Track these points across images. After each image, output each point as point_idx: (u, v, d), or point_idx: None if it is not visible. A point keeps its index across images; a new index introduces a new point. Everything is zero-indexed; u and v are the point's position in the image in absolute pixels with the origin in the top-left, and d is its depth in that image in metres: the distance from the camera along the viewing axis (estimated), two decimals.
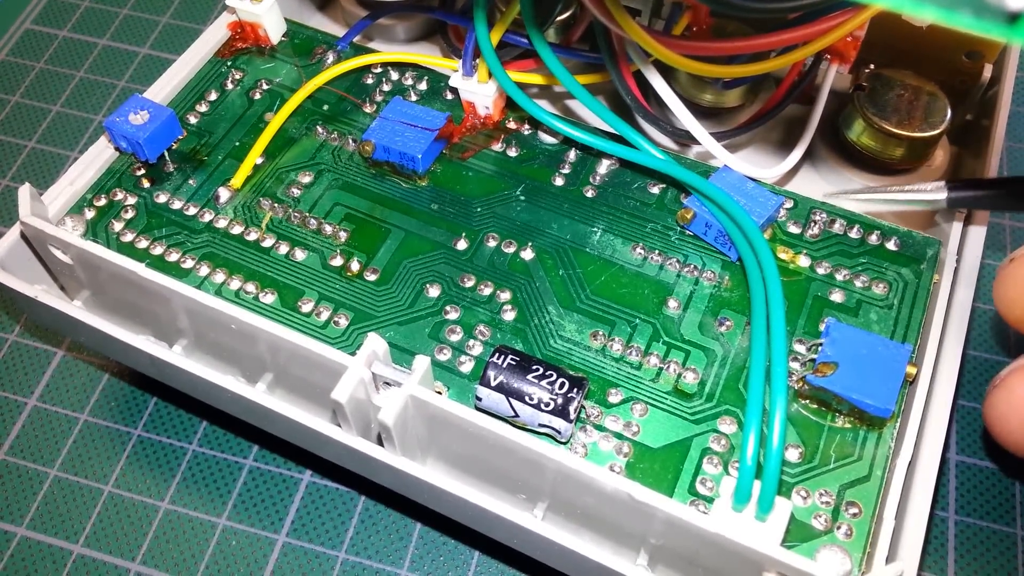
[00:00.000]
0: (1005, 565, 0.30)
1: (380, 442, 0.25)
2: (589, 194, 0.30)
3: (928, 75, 0.31)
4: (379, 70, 0.33)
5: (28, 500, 0.31)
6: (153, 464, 0.32)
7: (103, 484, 0.32)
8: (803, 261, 0.28)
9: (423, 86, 0.33)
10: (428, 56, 0.33)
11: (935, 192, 0.27)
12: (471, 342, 0.27)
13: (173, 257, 0.29)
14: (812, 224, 0.29)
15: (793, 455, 0.24)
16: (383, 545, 0.30)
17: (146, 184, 0.30)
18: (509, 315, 0.27)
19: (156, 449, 0.32)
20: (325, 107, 0.32)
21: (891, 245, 0.28)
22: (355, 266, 0.28)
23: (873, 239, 0.28)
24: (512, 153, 0.31)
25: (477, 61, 0.30)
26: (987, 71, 0.33)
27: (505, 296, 0.28)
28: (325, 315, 0.27)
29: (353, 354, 0.24)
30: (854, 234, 0.29)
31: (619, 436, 0.25)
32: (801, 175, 0.33)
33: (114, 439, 0.33)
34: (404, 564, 0.30)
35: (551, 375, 0.24)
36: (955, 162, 0.33)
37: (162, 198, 0.30)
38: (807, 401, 0.25)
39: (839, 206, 0.29)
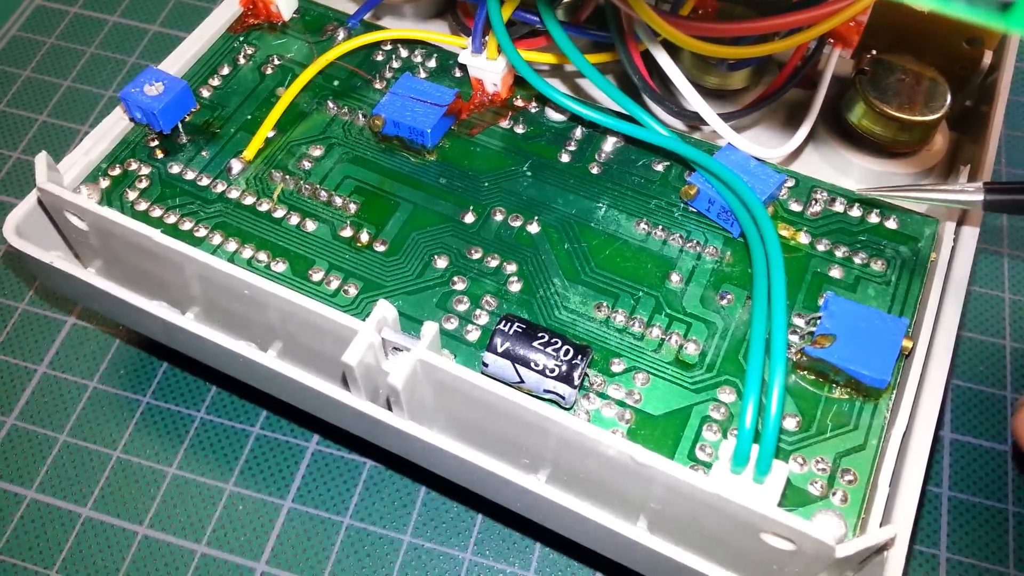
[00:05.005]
0: (996, 540, 0.30)
1: (388, 407, 0.25)
2: (594, 171, 0.31)
3: (929, 61, 0.32)
4: (389, 47, 0.34)
5: (38, 464, 0.32)
6: (161, 430, 0.33)
7: (112, 449, 0.32)
8: (803, 238, 0.29)
9: (432, 63, 0.34)
10: (438, 33, 0.34)
11: (972, 194, 0.27)
12: (478, 312, 0.27)
13: (186, 226, 0.29)
14: (813, 202, 0.29)
15: (791, 424, 0.25)
16: (387, 511, 0.31)
17: (160, 155, 0.31)
18: (515, 286, 0.28)
19: (164, 416, 0.33)
20: (336, 83, 0.33)
21: (890, 223, 0.29)
22: (364, 237, 0.29)
23: (872, 218, 0.29)
24: (519, 130, 0.32)
25: (487, 38, 0.31)
26: (987, 58, 0.33)
27: (511, 268, 0.28)
28: (335, 284, 0.28)
29: (363, 320, 0.24)
30: (854, 213, 0.29)
31: (621, 404, 0.26)
32: (804, 157, 0.33)
33: (123, 406, 0.33)
34: (408, 530, 0.30)
35: (556, 342, 0.25)
36: (954, 147, 0.33)
37: (176, 169, 0.31)
38: (805, 372, 0.26)
39: (847, 188, 0.30)
